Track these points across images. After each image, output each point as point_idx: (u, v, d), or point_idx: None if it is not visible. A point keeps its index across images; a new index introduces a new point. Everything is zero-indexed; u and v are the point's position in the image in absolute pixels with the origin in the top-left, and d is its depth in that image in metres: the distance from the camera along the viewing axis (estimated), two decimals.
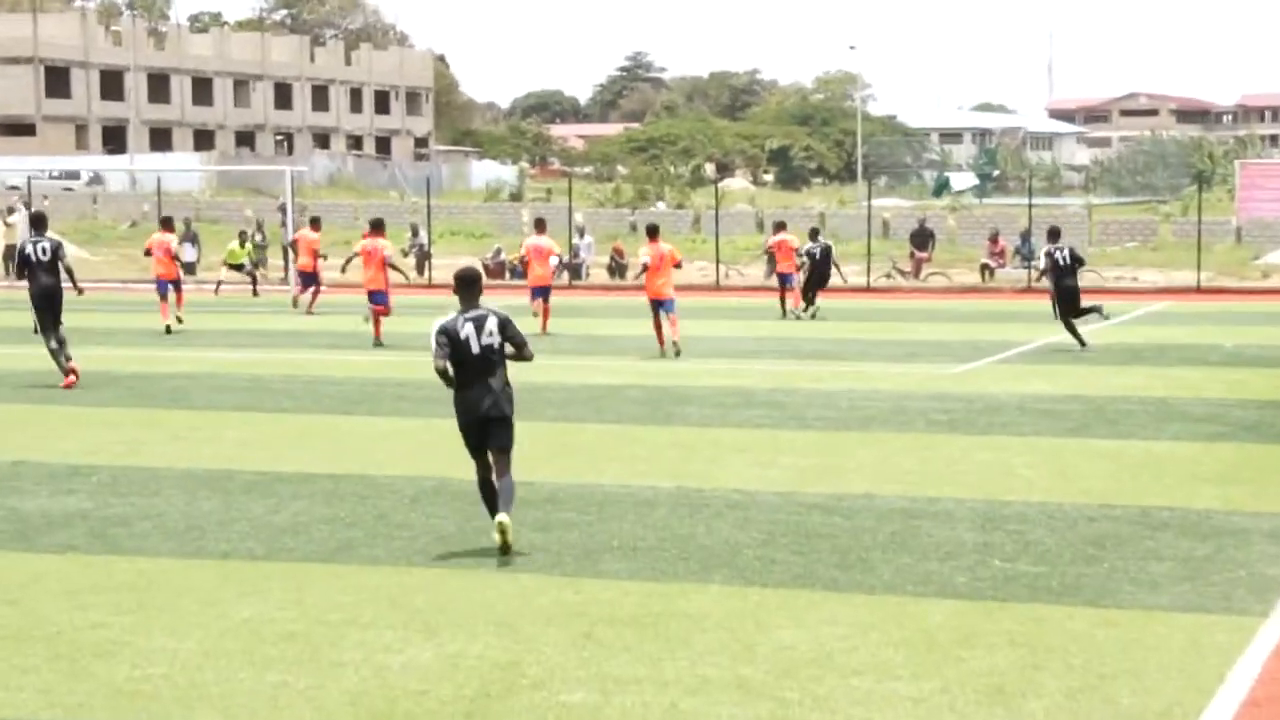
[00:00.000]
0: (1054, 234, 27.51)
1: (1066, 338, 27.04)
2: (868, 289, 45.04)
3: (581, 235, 51.07)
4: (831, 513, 13.39)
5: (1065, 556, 11.74)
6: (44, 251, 21.90)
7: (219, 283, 45.53)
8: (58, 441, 17.39)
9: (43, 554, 12.05)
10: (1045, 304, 29.05)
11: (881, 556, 11.78)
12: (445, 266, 47.07)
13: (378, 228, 29.30)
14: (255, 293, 44.56)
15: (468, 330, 11.62)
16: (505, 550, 11.49)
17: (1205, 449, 16.90)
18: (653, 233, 27.08)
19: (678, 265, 26.84)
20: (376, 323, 27.76)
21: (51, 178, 76.78)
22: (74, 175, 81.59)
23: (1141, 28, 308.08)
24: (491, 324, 11.71)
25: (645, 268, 26.05)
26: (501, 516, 11.48)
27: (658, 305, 25.94)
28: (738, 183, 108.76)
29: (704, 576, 11.24)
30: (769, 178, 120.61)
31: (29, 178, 62.78)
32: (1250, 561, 11.54)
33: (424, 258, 49.85)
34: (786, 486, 14.61)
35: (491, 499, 11.79)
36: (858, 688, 8.73)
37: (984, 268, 48.44)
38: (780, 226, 36.22)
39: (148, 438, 17.72)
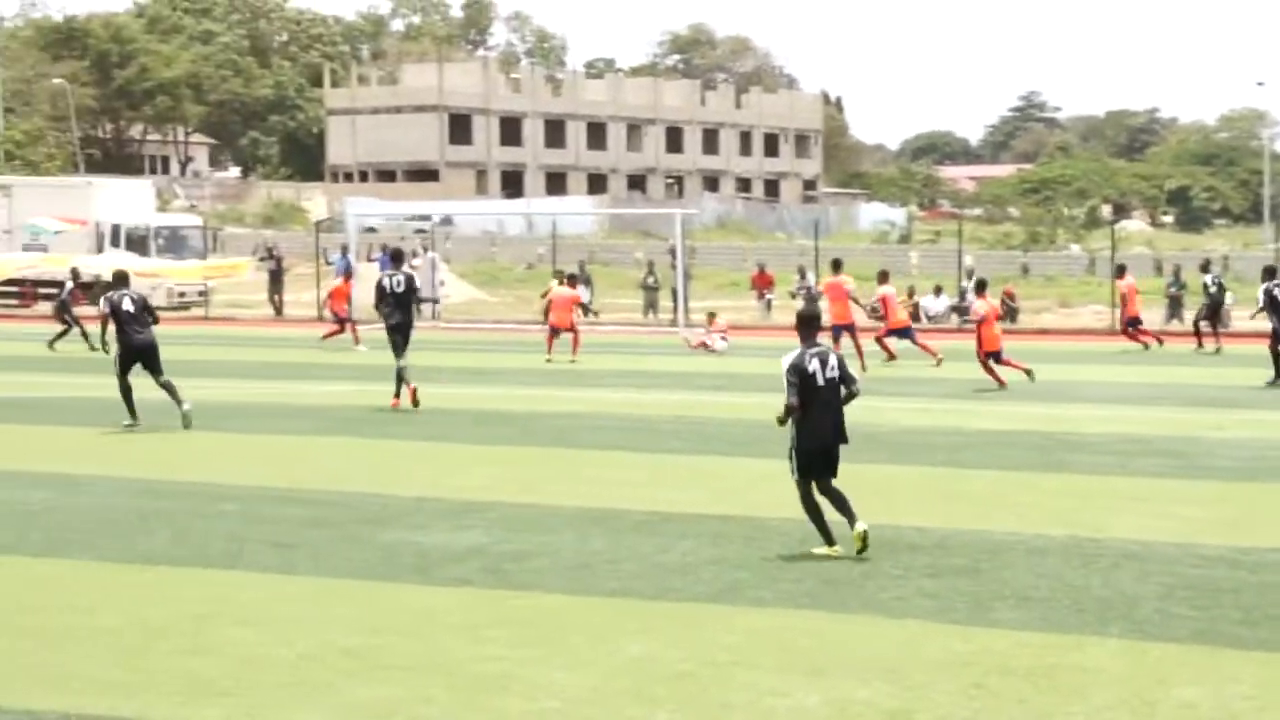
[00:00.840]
0: (1270, 272, 28.08)
1: None
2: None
3: (970, 278, 50.51)
4: (1236, 567, 12.97)
5: None
6: (398, 284, 23.64)
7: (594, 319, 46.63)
8: (456, 478, 17.91)
9: (441, 587, 12.40)
10: None
11: None
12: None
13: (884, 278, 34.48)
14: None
15: (814, 365, 13.05)
16: (864, 548, 12.84)
17: None
18: (981, 288, 28.38)
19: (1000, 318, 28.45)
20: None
21: (405, 220, 78.89)
22: (425, 218, 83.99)
23: None
24: (833, 360, 13.28)
25: (982, 320, 27.26)
26: (861, 526, 12.87)
27: (994, 355, 27.16)
28: (1135, 224, 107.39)
29: (1100, 629, 10.97)
30: (1168, 219, 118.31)
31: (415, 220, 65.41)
32: None
33: (811, 300, 50.07)
34: (1186, 538, 14.23)
35: (821, 518, 13.26)
36: None
37: None
38: (1122, 271, 39.03)
39: (540, 475, 18.20)
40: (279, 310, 53.55)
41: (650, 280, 53.65)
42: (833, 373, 12.94)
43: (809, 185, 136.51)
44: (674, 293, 48.79)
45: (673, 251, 51.88)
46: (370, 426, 22.23)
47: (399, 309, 23.59)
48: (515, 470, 18.59)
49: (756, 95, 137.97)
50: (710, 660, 10.19)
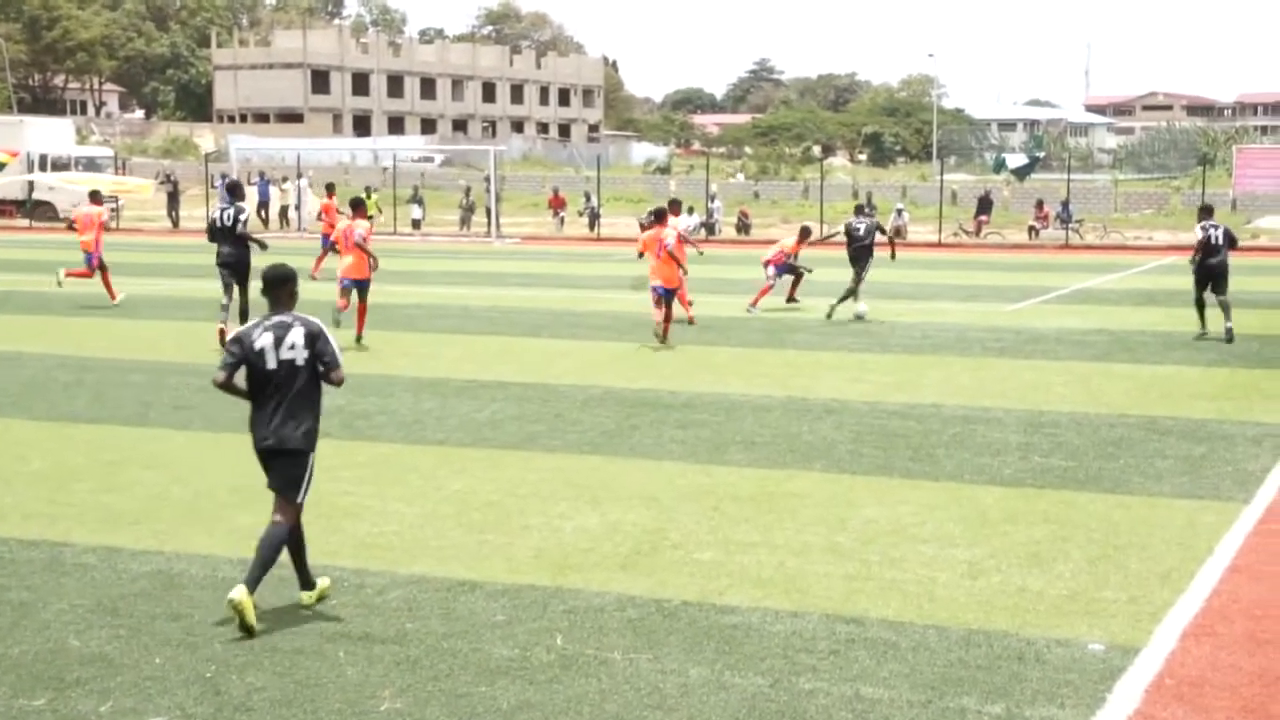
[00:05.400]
0: (1206, 211, 19.80)
1: (1095, 281, 25.53)
2: (939, 244, 44.20)
3: (713, 200, 51.38)
4: (907, 418, 13.06)
5: (1090, 454, 11.41)
6: (227, 218, 18.00)
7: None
8: None
9: None
10: (1077, 256, 28.27)
11: (945, 452, 11.49)
12: (610, 225, 48.05)
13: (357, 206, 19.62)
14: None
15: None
16: None
17: (1203, 372, 16.30)
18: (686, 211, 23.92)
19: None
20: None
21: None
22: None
23: (1158, 39, 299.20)
24: None
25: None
26: None
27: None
28: (838, 161, 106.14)
29: (807, 465, 10.99)
30: (863, 157, 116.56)
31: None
32: (1236, 460, 11.27)
33: (595, 218, 50.32)
34: (872, 397, 14.27)
35: None
36: (925, 553, 8.56)
37: (1031, 229, 47.79)
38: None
39: (385, 351, 17.79)
40: (175, 224, 52.38)
41: (468, 202, 52.74)
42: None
43: (593, 129, 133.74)
44: (488, 211, 48.25)
45: (488, 179, 51.48)
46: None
47: (227, 242, 17.97)
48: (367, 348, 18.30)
49: (552, 58, 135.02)
50: (513, 493, 10.08)
